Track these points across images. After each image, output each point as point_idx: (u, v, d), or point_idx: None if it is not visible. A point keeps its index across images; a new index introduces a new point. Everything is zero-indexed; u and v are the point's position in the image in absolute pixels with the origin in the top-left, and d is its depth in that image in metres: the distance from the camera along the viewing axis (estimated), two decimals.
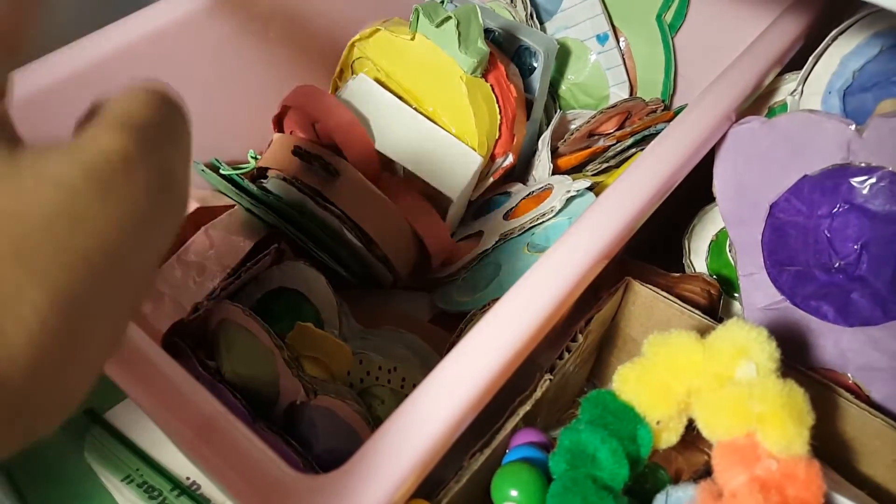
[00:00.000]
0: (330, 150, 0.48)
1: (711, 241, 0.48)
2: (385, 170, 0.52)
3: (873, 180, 0.34)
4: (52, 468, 0.46)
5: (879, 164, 0.34)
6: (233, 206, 0.51)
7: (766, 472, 0.26)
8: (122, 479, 0.46)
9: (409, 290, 0.55)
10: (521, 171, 0.60)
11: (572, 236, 0.39)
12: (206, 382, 0.43)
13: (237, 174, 0.52)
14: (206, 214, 0.49)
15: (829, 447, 0.35)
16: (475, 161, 0.50)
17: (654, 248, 0.53)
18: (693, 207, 0.51)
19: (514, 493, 0.27)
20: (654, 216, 0.44)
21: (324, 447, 0.39)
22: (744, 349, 0.28)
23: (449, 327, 0.52)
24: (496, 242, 0.52)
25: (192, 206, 0.49)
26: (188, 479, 0.46)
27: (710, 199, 0.46)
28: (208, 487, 0.46)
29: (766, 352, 0.28)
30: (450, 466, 0.32)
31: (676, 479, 0.36)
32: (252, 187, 0.49)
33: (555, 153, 0.59)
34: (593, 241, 0.38)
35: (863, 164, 0.35)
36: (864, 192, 0.35)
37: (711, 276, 0.48)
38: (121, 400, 0.50)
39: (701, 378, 0.28)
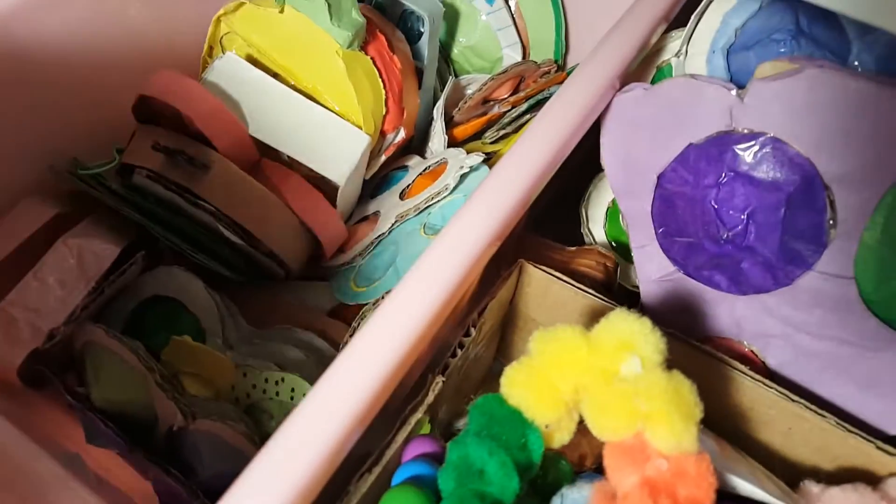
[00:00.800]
0: (198, 141, 0.44)
1: (608, 208, 0.48)
2: (266, 156, 0.48)
3: (756, 147, 0.34)
4: None
5: (762, 129, 0.34)
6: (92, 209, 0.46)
7: (657, 472, 0.25)
8: None
9: (307, 281, 0.53)
10: (419, 141, 0.58)
11: (464, 217, 0.37)
12: (77, 412, 0.40)
13: (100, 172, 0.47)
14: (65, 223, 0.45)
15: (727, 419, 0.36)
16: (362, 141, 0.47)
17: (552, 218, 0.52)
18: (588, 174, 0.50)
19: None
20: (549, 187, 0.42)
21: (209, 473, 0.37)
22: (628, 343, 0.27)
23: (351, 317, 0.50)
24: (392, 224, 0.50)
25: (49, 213, 0.45)
26: None
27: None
28: None
29: (650, 344, 0.27)
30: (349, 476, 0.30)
31: (580, 465, 0.36)
32: (117, 188, 0.45)
33: (450, 122, 0.57)
34: (485, 220, 0.36)
35: (745, 131, 0.34)
36: (748, 159, 0.34)
37: (610, 243, 0.47)
38: None
39: (587, 375, 0.27)
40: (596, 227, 0.48)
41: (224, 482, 0.26)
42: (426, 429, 0.32)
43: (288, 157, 0.49)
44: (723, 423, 0.34)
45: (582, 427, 0.30)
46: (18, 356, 0.36)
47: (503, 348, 0.46)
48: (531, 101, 0.55)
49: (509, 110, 0.56)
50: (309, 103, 0.48)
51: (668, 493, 0.24)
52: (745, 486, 0.29)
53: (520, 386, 0.28)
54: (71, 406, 0.39)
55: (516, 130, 0.56)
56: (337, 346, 0.47)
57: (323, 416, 0.27)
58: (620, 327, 0.27)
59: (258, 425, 0.39)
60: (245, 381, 0.40)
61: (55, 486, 0.24)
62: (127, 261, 0.44)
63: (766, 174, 0.34)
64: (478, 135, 0.57)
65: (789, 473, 0.35)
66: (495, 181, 0.39)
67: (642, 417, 0.26)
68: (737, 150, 0.34)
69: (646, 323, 0.27)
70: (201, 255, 0.45)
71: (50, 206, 0.44)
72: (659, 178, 0.38)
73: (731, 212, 0.35)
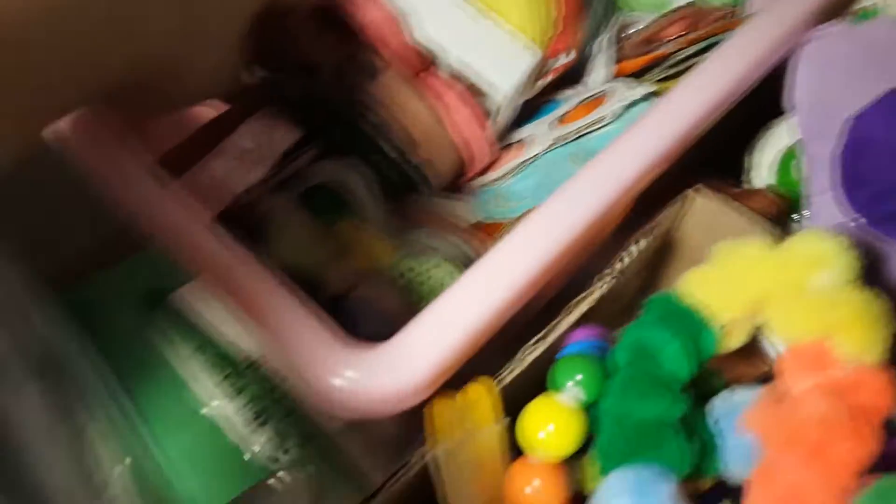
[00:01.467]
0: (367, 48, 0.47)
1: (777, 157, 0.48)
2: (427, 66, 0.50)
3: None
4: (127, 341, 0.49)
5: None
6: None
7: (835, 379, 0.26)
8: (192, 352, 0.48)
9: (449, 197, 0.55)
10: (575, 75, 0.58)
11: (623, 142, 0.38)
12: None
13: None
14: (253, 105, 0.49)
15: None
16: (531, 57, 0.48)
17: (713, 166, 0.53)
18: (757, 123, 0.50)
19: (572, 381, 0.28)
20: (716, 131, 0.43)
21: (364, 334, 0.40)
22: (821, 258, 0.28)
23: (488, 236, 0.52)
24: (543, 149, 0.51)
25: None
26: (254, 354, 0.49)
27: (776, 114, 0.45)
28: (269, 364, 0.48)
29: (844, 261, 0.28)
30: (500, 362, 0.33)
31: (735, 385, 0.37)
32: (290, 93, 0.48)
33: (619, 56, 0.57)
34: (644, 147, 0.38)
35: None
36: None
37: (773, 194, 0.47)
38: (189, 280, 0.52)
39: (772, 285, 0.28)
40: (759, 178, 0.48)
41: None
42: None
43: (450, 70, 0.51)
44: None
45: (741, 352, 0.31)
46: (214, 209, 0.41)
47: (651, 285, 0.47)
48: (702, 44, 0.55)
49: (678, 51, 0.56)
50: (479, 16, 0.50)
51: (846, 396, 0.25)
52: None
53: (701, 285, 0.29)
54: None
55: (681, 73, 0.56)
56: (479, 255, 0.49)
57: (478, 292, 0.29)
58: (816, 243, 0.28)
59: (409, 305, 0.42)
60: (402, 263, 0.43)
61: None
62: (298, 152, 0.48)
63: None
64: (641, 73, 0.57)
65: None
66: (660, 110, 0.40)
67: (831, 325, 0.26)
68: None
69: (842, 241, 0.28)
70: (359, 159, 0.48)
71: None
72: (853, 121, 0.37)
73: None
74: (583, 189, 0.35)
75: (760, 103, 0.44)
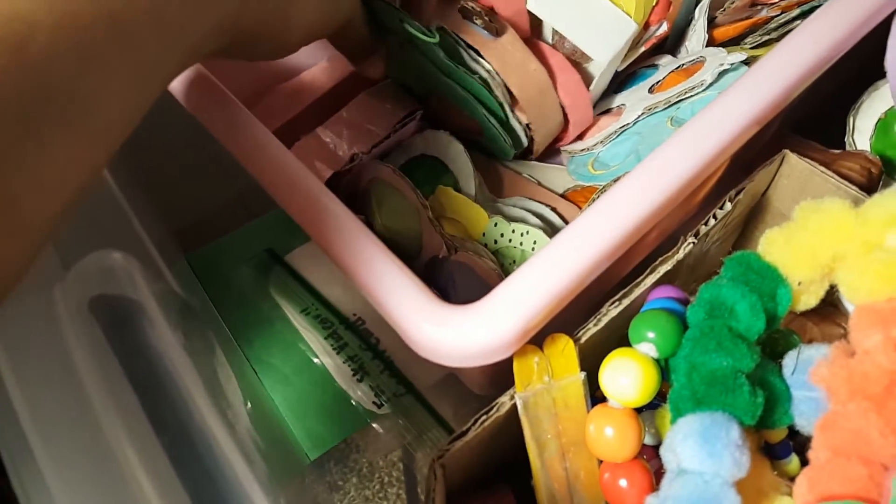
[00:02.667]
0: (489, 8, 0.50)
1: (879, 119, 0.48)
2: (533, 33, 0.53)
3: None
4: (243, 299, 0.56)
5: None
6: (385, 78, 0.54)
7: None
8: (300, 311, 0.54)
9: (543, 163, 0.58)
10: (672, 42, 0.59)
11: (719, 104, 0.40)
12: None
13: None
14: (362, 80, 0.54)
15: None
16: (630, 27, 0.50)
17: (814, 125, 0.53)
18: (863, 83, 0.50)
19: (651, 334, 0.31)
20: (816, 90, 0.43)
21: (460, 298, 0.44)
22: None
23: (581, 202, 0.55)
24: (638, 116, 0.53)
25: (349, 69, 0.54)
26: (354, 315, 0.55)
27: (882, 74, 0.45)
28: (371, 323, 0.55)
29: None
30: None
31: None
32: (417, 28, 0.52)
33: (711, 23, 0.58)
34: (740, 109, 0.39)
35: None
36: None
37: (874, 155, 0.47)
38: (298, 245, 0.59)
39: (849, 243, 0.30)
40: (861, 139, 0.48)
41: None
42: None
43: (553, 37, 0.53)
44: None
45: (816, 314, 0.33)
46: (327, 172, 0.46)
47: (740, 246, 0.48)
48: (804, 7, 0.55)
49: (778, 15, 0.56)
50: None
51: None
52: None
53: (780, 244, 0.31)
54: None
55: (781, 38, 0.56)
56: (567, 223, 0.52)
57: (563, 256, 0.32)
58: (894, 202, 0.29)
59: (502, 268, 0.46)
60: (495, 229, 0.47)
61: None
62: (403, 121, 0.52)
63: None
64: (739, 38, 0.58)
65: None
66: (757, 71, 0.41)
67: None
68: None
69: None
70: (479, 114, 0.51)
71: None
72: None
73: None
74: (672, 154, 0.37)
75: (868, 62, 0.44)
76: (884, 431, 0.26)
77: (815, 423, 0.30)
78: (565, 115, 0.52)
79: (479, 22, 0.47)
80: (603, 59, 0.49)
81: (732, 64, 0.50)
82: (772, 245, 0.32)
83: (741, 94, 0.40)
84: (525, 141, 0.52)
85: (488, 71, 0.47)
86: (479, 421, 0.32)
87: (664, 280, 0.36)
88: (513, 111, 0.50)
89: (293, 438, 0.51)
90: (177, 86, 0.40)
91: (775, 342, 0.34)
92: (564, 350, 0.33)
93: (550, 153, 0.57)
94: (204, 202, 0.59)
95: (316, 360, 0.53)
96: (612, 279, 0.51)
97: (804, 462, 0.32)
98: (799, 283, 0.31)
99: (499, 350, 0.30)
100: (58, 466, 0.25)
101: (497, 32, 0.47)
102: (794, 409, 0.31)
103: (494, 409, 0.33)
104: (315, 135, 0.48)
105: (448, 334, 0.30)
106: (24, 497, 0.25)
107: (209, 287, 0.56)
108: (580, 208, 0.54)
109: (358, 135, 0.49)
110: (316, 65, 0.54)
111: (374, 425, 0.50)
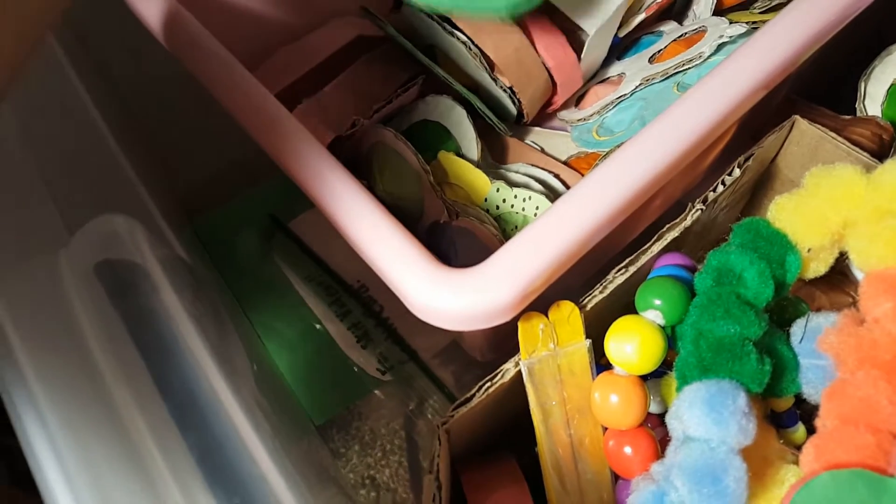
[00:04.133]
0: None
1: (892, 84, 0.47)
2: None
3: None
4: (247, 265, 0.56)
5: None
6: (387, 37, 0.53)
7: None
8: (304, 277, 0.54)
9: (548, 129, 0.57)
10: (681, 7, 0.58)
11: (726, 67, 0.39)
12: None
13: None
14: (363, 43, 0.53)
15: None
16: None
17: (825, 91, 0.52)
18: (875, 48, 0.49)
19: (657, 301, 0.31)
20: (827, 54, 0.42)
21: (462, 263, 0.44)
22: None
23: (585, 169, 0.54)
24: (636, 86, 0.52)
25: (353, 34, 0.53)
26: (358, 282, 0.55)
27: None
28: (374, 290, 0.55)
29: None
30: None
31: None
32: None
33: None
34: (747, 72, 0.38)
35: None
36: None
37: (885, 121, 0.47)
38: (302, 212, 0.59)
39: (860, 210, 0.30)
40: (872, 105, 0.47)
41: None
42: None
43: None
44: None
45: (822, 283, 0.33)
46: (328, 137, 0.45)
47: (749, 211, 0.48)
48: None
49: None
50: None
51: None
52: None
53: (790, 211, 0.31)
54: None
55: (790, 1, 0.55)
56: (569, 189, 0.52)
57: (564, 219, 0.32)
58: None
59: (504, 233, 0.46)
60: (497, 195, 0.46)
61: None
62: (404, 86, 0.51)
63: None
64: (748, 2, 0.57)
65: None
66: (764, 35, 0.40)
67: None
68: None
69: None
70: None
71: (354, 27, 0.52)
72: None
73: None
74: (676, 118, 0.36)
75: (882, 27, 0.43)
76: (893, 399, 0.26)
77: (822, 391, 0.30)
78: (552, 78, 0.51)
79: None
80: (590, 27, 0.48)
81: (732, 37, 0.49)
82: (781, 211, 0.31)
83: (748, 58, 0.39)
84: (513, 105, 0.51)
85: (463, 42, 0.47)
86: (484, 387, 0.33)
87: (671, 247, 0.36)
88: (493, 75, 0.49)
89: (298, 403, 0.51)
90: (179, 46, 0.39)
91: (784, 309, 0.34)
92: (570, 317, 0.33)
93: (554, 120, 0.57)
94: (208, 166, 0.58)
95: (319, 327, 0.53)
96: (617, 246, 0.51)
97: (811, 431, 0.33)
98: (808, 250, 0.31)
99: (499, 313, 0.30)
100: (67, 431, 0.25)
101: None
102: (802, 377, 0.31)
103: (499, 375, 0.33)
104: (317, 98, 0.47)
105: (449, 297, 0.29)
106: (34, 460, 0.25)
107: (214, 252, 0.56)
108: (582, 175, 0.53)
109: (360, 99, 0.49)
110: (321, 27, 0.53)
111: (377, 392, 0.50)
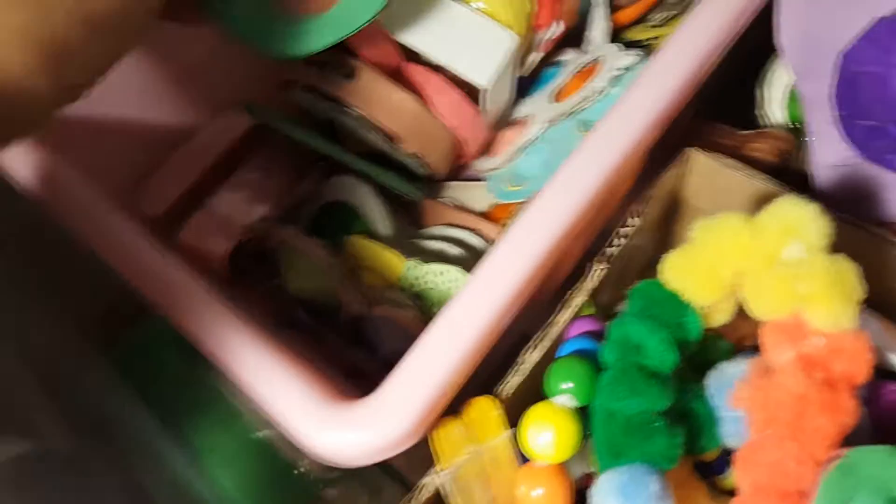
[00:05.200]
0: (342, 51, 0.49)
1: (785, 92, 0.48)
2: (410, 59, 0.52)
3: None
4: (178, 382, 0.54)
5: None
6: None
7: (813, 349, 0.28)
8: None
9: (463, 183, 0.58)
10: (577, 32, 0.59)
11: (620, 107, 0.40)
12: (272, 302, 0.49)
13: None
14: (258, 133, 0.53)
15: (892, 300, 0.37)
16: (509, 41, 0.49)
17: (727, 99, 0.53)
18: (766, 52, 0.50)
19: (567, 384, 0.31)
20: (722, 67, 0.43)
21: (388, 350, 0.44)
22: (792, 228, 0.29)
23: (505, 217, 0.55)
24: (542, 130, 0.52)
25: (245, 124, 0.53)
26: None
27: None
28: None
29: (816, 229, 0.29)
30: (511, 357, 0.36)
31: (740, 345, 0.39)
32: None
33: (614, 6, 0.57)
34: (644, 108, 0.39)
35: None
36: None
37: (791, 124, 0.48)
38: None
39: (749, 260, 0.30)
40: (772, 109, 0.48)
41: (400, 358, 0.32)
42: (589, 311, 0.37)
43: (430, 63, 0.52)
44: (891, 305, 0.36)
45: (743, 310, 0.33)
46: (225, 246, 0.45)
47: (666, 239, 0.48)
48: None
49: None
50: (452, 3, 0.50)
51: (822, 367, 0.27)
52: None
53: (679, 270, 0.31)
54: (269, 295, 0.48)
55: (684, 11, 0.56)
56: (491, 243, 0.52)
57: (481, 297, 0.32)
58: (786, 212, 0.30)
59: (423, 312, 0.46)
60: (410, 273, 0.47)
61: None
62: (305, 175, 0.51)
63: None
64: (641, 20, 0.58)
65: None
66: (656, 66, 0.41)
67: (801, 299, 0.28)
68: None
69: (813, 208, 0.29)
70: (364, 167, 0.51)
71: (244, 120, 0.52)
72: (842, 56, 0.38)
73: None
74: (577, 172, 0.37)
75: (769, 31, 0.44)
76: (800, 458, 0.26)
77: (735, 454, 0.30)
78: (458, 133, 0.52)
79: (328, 69, 0.46)
80: (483, 81, 0.48)
81: (627, 68, 0.49)
82: (672, 272, 0.32)
83: (642, 97, 0.40)
84: (420, 171, 0.51)
85: (356, 118, 0.47)
86: None
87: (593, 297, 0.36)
88: (393, 146, 0.49)
89: None
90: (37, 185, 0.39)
91: (705, 349, 0.34)
92: (488, 412, 0.33)
93: (470, 168, 0.57)
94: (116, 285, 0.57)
95: (258, 434, 0.52)
96: (549, 290, 0.51)
97: None
98: (705, 308, 0.32)
99: (398, 445, 0.30)
100: None
101: (351, 74, 0.46)
102: (722, 430, 0.32)
103: (418, 491, 0.33)
104: (207, 210, 0.47)
105: (342, 436, 0.29)
106: None
107: (134, 381, 0.55)
108: (502, 226, 0.53)
109: (259, 196, 0.49)
110: (211, 122, 0.53)
111: (327, 492, 0.49)
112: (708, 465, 0.34)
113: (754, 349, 0.38)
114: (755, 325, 0.38)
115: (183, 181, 0.50)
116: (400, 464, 0.50)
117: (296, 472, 0.50)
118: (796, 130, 0.48)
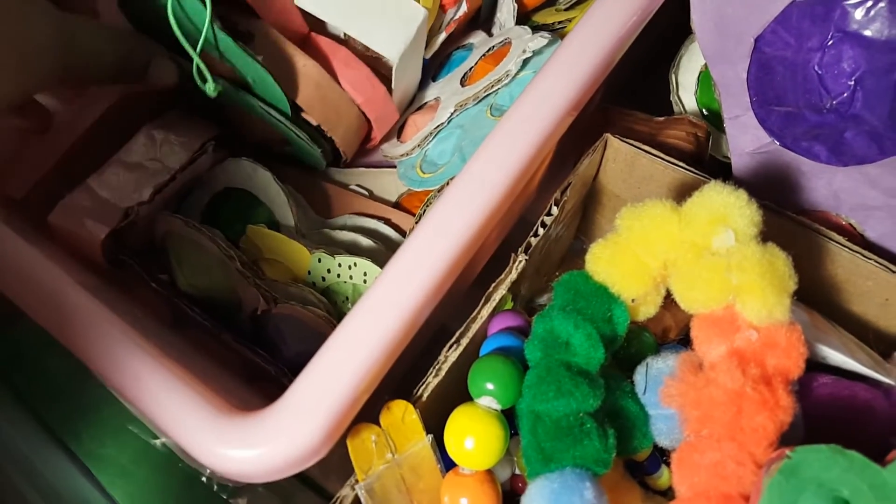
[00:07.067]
0: (243, 11, 0.45)
1: (700, 73, 0.47)
2: (317, 30, 0.48)
3: (870, 2, 0.32)
4: (61, 387, 0.49)
5: None
6: (172, 100, 0.48)
7: (746, 343, 0.27)
8: None
9: (373, 169, 0.54)
10: (486, 14, 0.57)
11: (532, 92, 0.38)
12: (162, 298, 0.44)
13: None
14: (145, 109, 0.47)
15: (821, 292, 0.37)
16: (417, 15, 0.46)
17: (640, 85, 0.52)
18: (679, 37, 0.49)
19: (490, 385, 0.28)
20: (634, 52, 0.42)
21: (293, 352, 0.40)
22: (721, 216, 0.28)
23: (416, 205, 0.52)
24: (451, 114, 0.50)
25: (113, 96, 0.47)
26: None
27: None
28: None
29: (745, 216, 0.28)
30: (428, 357, 0.33)
31: (664, 337, 0.38)
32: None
33: None
34: (557, 93, 0.37)
35: None
36: (859, 16, 0.33)
37: (702, 111, 0.47)
38: None
39: (677, 249, 0.28)
40: (686, 95, 0.48)
41: (307, 360, 0.29)
42: (509, 305, 0.34)
43: (338, 36, 0.49)
44: (816, 296, 0.35)
45: (666, 301, 0.32)
46: (101, 232, 0.40)
47: (585, 227, 0.47)
48: None
49: None
50: None
51: (756, 363, 0.26)
52: (836, 356, 0.31)
53: (606, 262, 0.29)
54: (156, 291, 0.43)
55: None
56: (403, 233, 0.49)
57: (394, 293, 0.29)
58: (714, 200, 0.28)
59: (334, 307, 0.42)
60: (320, 266, 0.43)
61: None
62: (196, 155, 0.46)
63: (879, 33, 0.33)
64: (551, 1, 0.56)
65: (884, 344, 0.36)
66: (567, 50, 0.39)
67: (733, 290, 0.27)
68: (846, 7, 0.33)
69: (741, 195, 0.28)
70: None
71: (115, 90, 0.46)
72: (756, 41, 0.37)
73: (836, 77, 0.35)
74: (500, 150, 0.34)
75: (683, 14, 0.43)
76: (739, 458, 0.25)
77: (675, 440, 0.29)
78: (366, 110, 0.49)
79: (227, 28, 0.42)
80: (392, 54, 0.46)
81: (535, 50, 0.48)
82: (598, 263, 0.30)
83: (554, 81, 0.38)
84: (325, 144, 0.48)
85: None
86: None
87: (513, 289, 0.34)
88: (297, 117, 0.45)
89: None
90: None
91: (629, 343, 0.33)
92: (405, 417, 0.30)
93: (379, 154, 0.54)
94: None
95: (155, 441, 0.47)
96: (464, 284, 0.49)
97: None
98: (633, 300, 0.30)
99: (307, 458, 0.26)
100: None
101: (247, 36, 0.42)
102: (653, 428, 0.30)
103: None
104: (83, 189, 0.41)
105: (241, 451, 0.25)
106: None
107: (14, 386, 0.49)
108: (413, 214, 0.51)
109: (140, 180, 0.43)
110: (74, 100, 0.47)
111: (235, 502, 0.45)
112: (639, 465, 0.32)
113: (679, 342, 0.37)
114: (679, 316, 0.37)
115: (46, 160, 0.44)
116: (313, 471, 0.46)
117: (202, 480, 0.46)
118: (707, 117, 0.47)
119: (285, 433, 0.25)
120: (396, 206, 0.52)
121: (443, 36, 0.51)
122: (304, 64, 0.45)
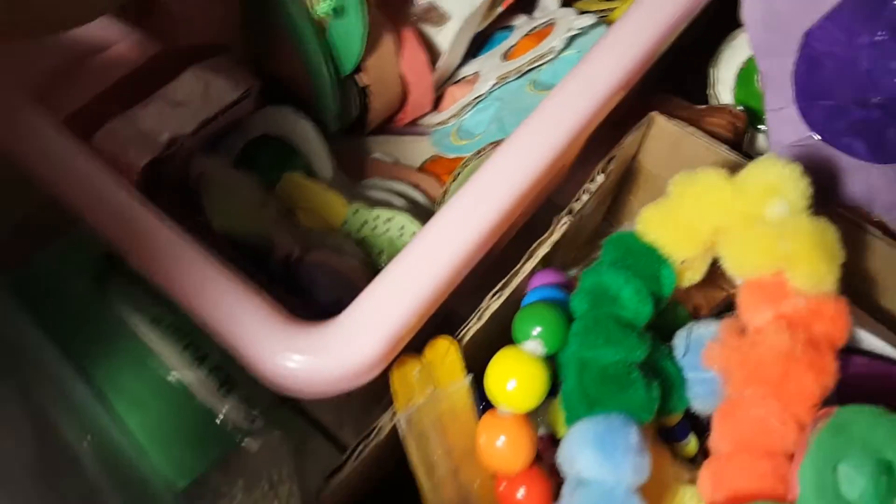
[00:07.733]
0: None
1: (739, 69, 0.48)
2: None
3: None
4: (80, 316, 0.48)
5: None
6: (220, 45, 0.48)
7: (794, 310, 0.27)
8: (150, 321, 0.47)
9: (395, 137, 0.55)
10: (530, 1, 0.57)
11: (583, 70, 0.38)
12: (195, 237, 0.44)
13: None
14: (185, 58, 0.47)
15: (854, 282, 0.37)
16: None
17: (677, 78, 0.52)
18: (720, 33, 0.50)
19: (536, 330, 0.29)
20: (677, 43, 0.43)
21: (325, 300, 0.40)
22: (775, 187, 0.28)
23: (443, 172, 0.52)
24: (492, 86, 0.51)
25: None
26: None
27: (740, 23, 0.45)
28: None
29: (798, 189, 0.28)
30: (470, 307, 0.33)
31: (695, 316, 0.38)
32: None
33: None
34: (606, 72, 0.38)
35: None
36: None
37: (737, 107, 0.48)
38: None
39: (729, 217, 0.29)
40: (724, 90, 0.48)
41: (339, 309, 0.29)
42: None
43: None
44: (847, 286, 0.36)
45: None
46: (143, 159, 0.40)
47: (615, 210, 0.47)
48: None
49: None
50: None
51: (803, 328, 0.27)
52: (870, 340, 0.31)
53: (657, 224, 0.30)
54: (191, 229, 0.43)
55: None
56: (431, 199, 0.50)
57: (437, 248, 0.29)
58: (769, 171, 0.29)
59: (369, 258, 0.43)
60: (356, 217, 0.43)
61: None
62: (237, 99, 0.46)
63: None
64: None
65: None
66: (619, 34, 0.40)
67: (784, 258, 0.27)
68: None
69: (795, 168, 0.29)
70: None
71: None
72: (805, 35, 0.38)
73: (885, 74, 0.36)
74: (536, 136, 0.35)
75: (725, 10, 0.44)
76: (783, 418, 0.25)
77: (710, 405, 0.29)
78: (409, 89, 0.49)
79: None
80: (461, 14, 0.46)
81: (582, 28, 0.48)
82: (649, 224, 0.30)
83: (605, 60, 0.39)
84: (356, 109, 0.48)
85: None
86: (357, 451, 0.29)
87: (544, 260, 0.34)
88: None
89: (155, 467, 0.46)
90: None
91: (662, 316, 0.33)
92: (447, 354, 0.30)
93: (408, 124, 0.54)
94: (17, 208, 0.50)
95: (172, 377, 0.47)
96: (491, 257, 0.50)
97: (701, 435, 0.32)
98: (682, 262, 0.30)
99: (361, 375, 0.27)
100: None
101: None
102: (689, 392, 0.31)
103: (374, 433, 0.30)
104: (128, 116, 0.41)
105: (299, 363, 0.26)
106: None
107: (38, 309, 0.49)
108: (441, 180, 0.51)
109: (183, 115, 0.43)
110: (124, 40, 0.47)
111: (248, 442, 0.45)
112: (669, 431, 0.32)
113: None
114: (710, 295, 0.38)
115: (97, 84, 0.44)
116: (328, 419, 0.46)
117: (213, 420, 0.46)
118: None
119: (350, 343, 0.26)
120: (421, 171, 0.52)
121: (499, 10, 0.51)
122: (388, 33, 0.45)
